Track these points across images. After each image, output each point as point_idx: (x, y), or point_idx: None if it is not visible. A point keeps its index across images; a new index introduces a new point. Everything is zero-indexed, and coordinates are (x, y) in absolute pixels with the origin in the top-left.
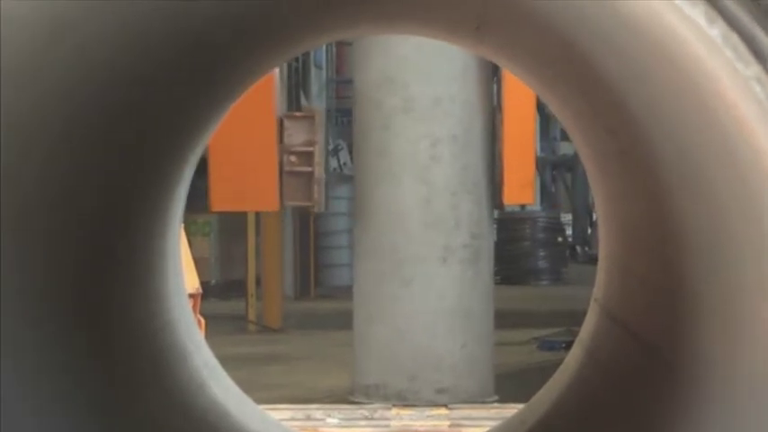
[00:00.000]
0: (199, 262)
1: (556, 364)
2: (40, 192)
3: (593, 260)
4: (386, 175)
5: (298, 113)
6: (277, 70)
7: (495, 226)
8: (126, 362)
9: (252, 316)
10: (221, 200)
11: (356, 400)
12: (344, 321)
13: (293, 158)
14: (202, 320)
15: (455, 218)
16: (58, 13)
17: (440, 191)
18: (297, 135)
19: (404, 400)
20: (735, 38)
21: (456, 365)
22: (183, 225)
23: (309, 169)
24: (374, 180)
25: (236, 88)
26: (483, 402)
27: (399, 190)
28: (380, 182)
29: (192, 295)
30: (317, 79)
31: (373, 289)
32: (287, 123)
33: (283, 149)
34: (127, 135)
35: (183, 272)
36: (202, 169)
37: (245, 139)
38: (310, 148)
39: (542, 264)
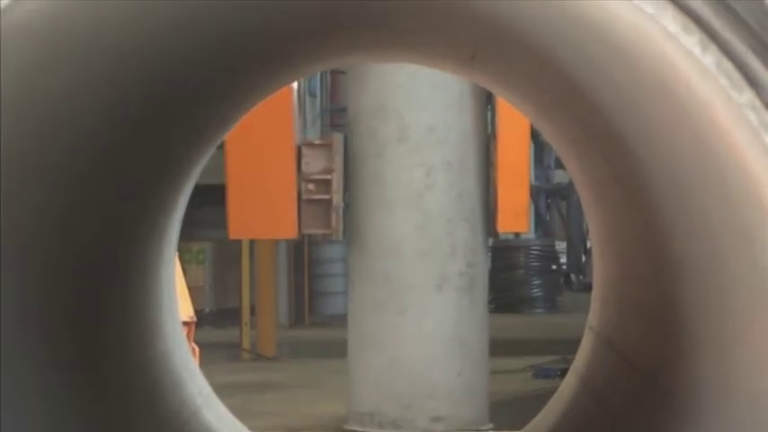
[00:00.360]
0: (193, 290)
1: (551, 392)
2: (37, 223)
3: (587, 288)
4: (380, 202)
5: (316, 141)
6: (295, 97)
7: (489, 254)
8: (121, 391)
9: (246, 344)
10: (240, 228)
11: (351, 428)
12: (339, 349)
13: (311, 186)
14: (197, 349)
15: (450, 245)
16: (57, 41)
17: (435, 218)
18: (315, 163)
19: (399, 428)
20: (728, 65)
21: (451, 393)
22: (177, 253)
23: (327, 197)
24: (369, 208)
25: (230, 118)
26: (478, 431)
27: (394, 217)
28: (375, 209)
29: (186, 323)
30: (312, 108)
31: (368, 317)
32: (305, 151)
33: (301, 177)
34: (122, 168)
35: (177, 300)
36: (196, 197)
37: (263, 167)
38: (328, 176)
39: (537, 292)
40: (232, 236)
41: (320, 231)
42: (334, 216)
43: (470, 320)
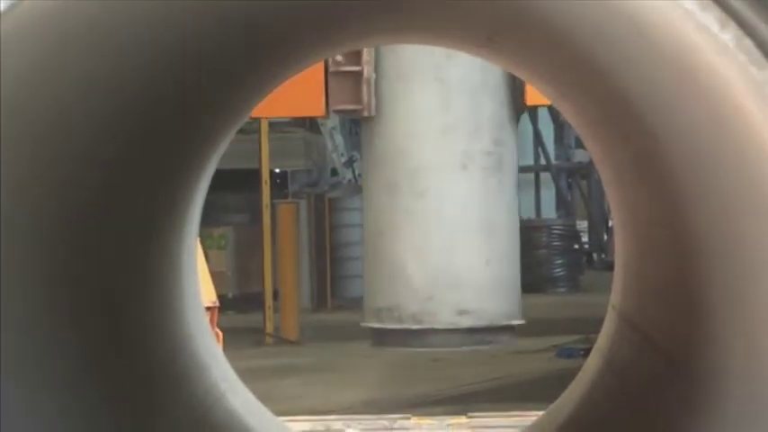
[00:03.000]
0: (216, 275)
1: (574, 372)
2: (61, 213)
3: (609, 267)
4: (396, 73)
5: None
6: None
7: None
8: (146, 378)
9: (269, 328)
10: (263, 106)
11: (367, 324)
12: (362, 332)
13: (339, 58)
14: (220, 334)
15: (475, 121)
16: (73, 30)
17: (457, 90)
18: None
19: (420, 323)
20: (747, 42)
21: (478, 284)
22: (198, 239)
23: (358, 68)
24: (383, 79)
25: (248, 103)
26: (509, 325)
27: (411, 90)
28: (390, 81)
29: (208, 308)
30: None
31: (384, 200)
32: None
33: None
34: (142, 155)
35: (199, 286)
36: (217, 183)
37: None
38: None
39: (559, 271)
40: (254, 114)
41: (350, 107)
42: (365, 89)
43: (498, 203)
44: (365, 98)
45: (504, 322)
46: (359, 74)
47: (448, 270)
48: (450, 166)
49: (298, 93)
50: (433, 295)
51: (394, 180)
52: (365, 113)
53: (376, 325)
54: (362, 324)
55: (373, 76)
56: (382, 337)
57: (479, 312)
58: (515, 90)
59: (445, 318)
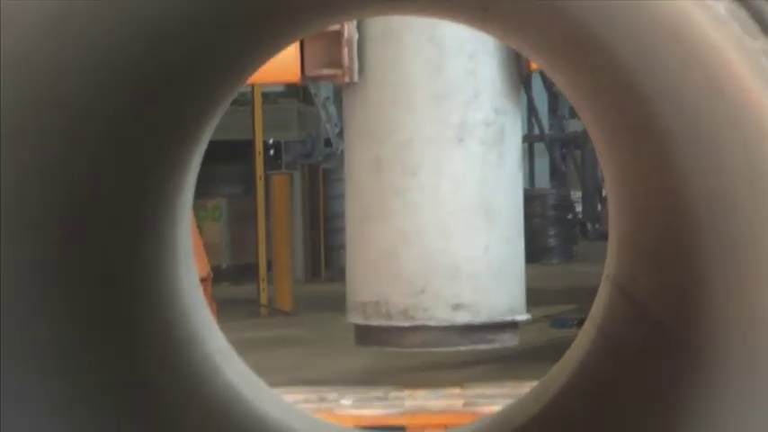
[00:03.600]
0: (209, 246)
1: (568, 342)
2: (51, 185)
3: (603, 237)
4: (383, 32)
5: None
6: None
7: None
8: (140, 350)
9: (263, 299)
10: None
11: (351, 320)
12: None
13: None
14: (214, 305)
15: (473, 87)
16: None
17: (453, 52)
18: None
19: (411, 319)
20: (741, 12)
21: (477, 274)
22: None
23: (337, 28)
24: (368, 38)
25: (241, 74)
26: (512, 321)
27: (401, 51)
28: (376, 40)
29: (202, 280)
30: None
31: (370, 178)
32: None
33: None
34: (135, 126)
35: (193, 258)
36: (211, 154)
37: None
38: None
39: (553, 241)
40: None
41: (328, 72)
42: (346, 52)
43: (499, 182)
44: (346, 62)
45: (507, 318)
46: (338, 34)
47: (442, 258)
48: (445, 139)
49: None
50: (425, 287)
51: (381, 155)
52: (346, 79)
53: (360, 321)
54: (347, 320)
55: (356, 36)
56: (367, 336)
57: (478, 306)
58: (518, 52)
59: (439, 313)
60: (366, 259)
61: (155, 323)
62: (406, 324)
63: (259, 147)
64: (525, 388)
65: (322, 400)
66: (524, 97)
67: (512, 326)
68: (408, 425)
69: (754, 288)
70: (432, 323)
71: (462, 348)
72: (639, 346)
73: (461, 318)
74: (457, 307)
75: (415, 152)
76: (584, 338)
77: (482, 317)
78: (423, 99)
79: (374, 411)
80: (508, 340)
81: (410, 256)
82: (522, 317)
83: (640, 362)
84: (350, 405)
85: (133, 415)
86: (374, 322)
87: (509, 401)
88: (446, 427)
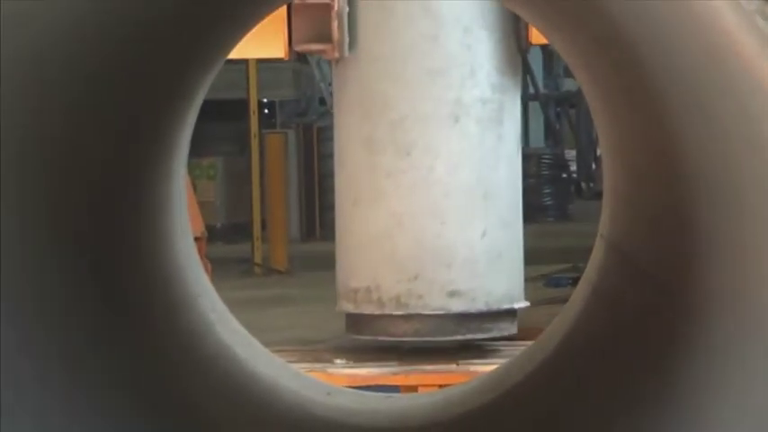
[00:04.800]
0: (204, 205)
1: (563, 301)
2: (45, 144)
3: (598, 196)
4: (378, 3)
5: None
6: None
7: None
8: (135, 309)
9: (258, 258)
10: None
11: (342, 309)
12: None
13: None
14: (209, 264)
15: (470, 63)
16: None
17: (448, 25)
18: None
19: (404, 307)
20: None
21: (473, 260)
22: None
23: (327, 0)
24: (359, 10)
25: (237, 32)
26: (510, 309)
27: (393, 24)
28: (367, 12)
29: (197, 239)
30: None
31: (361, 159)
32: None
33: None
34: (130, 84)
35: (187, 216)
36: (206, 112)
37: None
38: None
39: (547, 200)
40: None
41: (317, 46)
42: (335, 25)
43: (497, 163)
44: (336, 36)
45: (505, 305)
46: (328, 7)
47: (437, 243)
48: (440, 118)
49: (256, 30)
50: (419, 274)
51: (372, 135)
52: (336, 54)
53: (351, 309)
54: (337, 309)
55: (346, 9)
56: (359, 324)
57: (474, 294)
58: (518, 24)
59: (433, 301)
60: (357, 243)
61: (149, 281)
62: (399, 312)
63: (254, 105)
64: (520, 347)
65: (316, 360)
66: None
67: (510, 314)
68: (402, 384)
69: (744, 242)
70: (426, 311)
71: (458, 338)
72: (634, 305)
73: (457, 305)
74: (452, 294)
75: (409, 131)
76: (578, 297)
77: (479, 304)
78: (416, 75)
79: (367, 371)
80: (506, 329)
81: (403, 240)
82: (521, 304)
83: (635, 320)
84: (343, 364)
85: (127, 371)
86: (365, 310)
87: (504, 361)
88: (440, 386)
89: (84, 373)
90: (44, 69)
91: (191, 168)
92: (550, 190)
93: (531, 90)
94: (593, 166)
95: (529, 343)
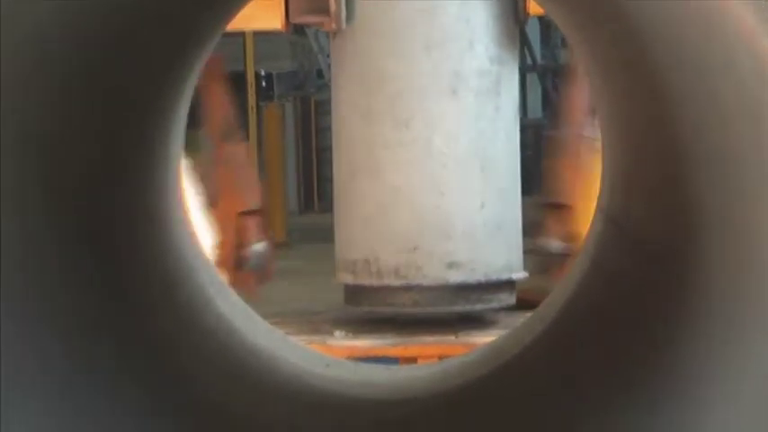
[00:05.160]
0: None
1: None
2: (50, 117)
3: None
4: None
5: None
6: None
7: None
8: (134, 283)
9: None
10: None
11: (340, 280)
12: None
13: None
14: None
15: (467, 34)
16: None
17: None
18: None
19: (403, 278)
20: None
21: (472, 231)
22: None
23: None
24: None
25: (234, 2)
26: (509, 280)
27: None
28: None
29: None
30: None
31: (358, 130)
32: None
33: None
34: (127, 54)
35: (183, 189)
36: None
37: None
38: None
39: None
40: None
41: (314, 19)
42: None
43: (496, 135)
44: (333, 8)
45: (504, 276)
46: None
47: (436, 214)
48: (438, 90)
49: (253, 2)
50: (418, 245)
51: (370, 107)
52: (333, 27)
53: (349, 281)
54: (334, 280)
55: None
56: (357, 296)
57: (473, 265)
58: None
59: (432, 272)
60: (355, 215)
61: (148, 255)
62: (398, 283)
63: (251, 78)
64: (519, 319)
65: (315, 331)
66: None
67: (509, 284)
68: (401, 356)
69: (743, 216)
70: (425, 282)
71: (457, 309)
72: (632, 278)
73: (456, 277)
74: (451, 265)
75: (407, 104)
76: (577, 270)
77: (478, 275)
78: (414, 47)
79: (366, 343)
80: (505, 300)
81: (402, 212)
82: (520, 274)
83: (633, 293)
84: (342, 336)
85: (127, 345)
86: (364, 282)
87: (505, 332)
88: (439, 358)
89: (79, 345)
90: (45, 44)
91: (189, 139)
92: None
93: (529, 61)
94: None
95: (528, 314)
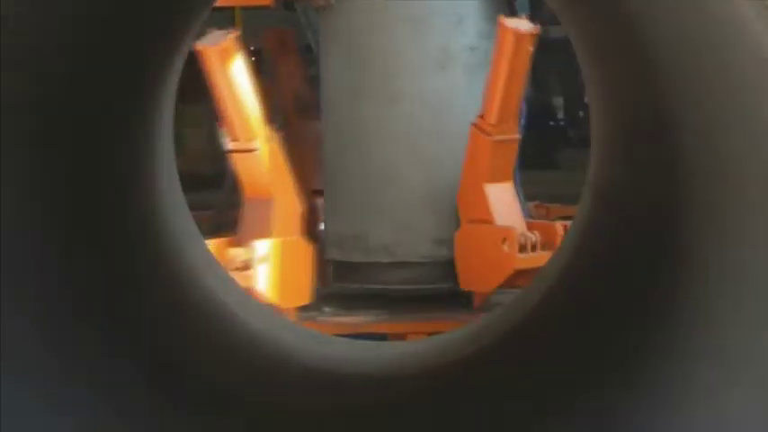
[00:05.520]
0: (192, 153)
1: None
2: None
3: (586, 143)
4: None
5: None
6: None
7: None
8: (124, 257)
9: None
10: None
11: (329, 257)
12: None
13: None
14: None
15: (456, 11)
16: None
17: None
18: None
19: (392, 255)
20: None
21: None
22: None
23: None
24: None
25: None
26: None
27: None
28: None
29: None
30: None
31: (347, 107)
32: None
33: None
34: (117, 27)
35: (175, 167)
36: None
37: None
38: None
39: (534, 148)
40: None
41: None
42: None
43: None
44: None
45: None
46: None
47: (425, 191)
48: (427, 66)
49: None
50: (407, 222)
51: (359, 84)
52: (321, 2)
53: (338, 257)
54: (325, 257)
55: None
56: (346, 272)
57: None
58: None
59: (421, 249)
60: (344, 191)
61: (137, 228)
62: (387, 260)
63: None
64: (509, 296)
65: (304, 307)
66: None
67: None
68: (390, 332)
69: (735, 193)
70: (414, 259)
71: (446, 286)
72: (622, 252)
73: (444, 253)
74: (440, 242)
75: (395, 80)
76: (567, 245)
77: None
78: (403, 23)
79: (355, 319)
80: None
81: (391, 188)
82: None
83: (624, 267)
84: (331, 313)
85: (116, 322)
86: (354, 258)
87: (500, 308)
88: (429, 334)
89: (70, 323)
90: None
91: (177, 115)
92: (538, 137)
93: None
94: (581, 113)
95: (518, 291)
